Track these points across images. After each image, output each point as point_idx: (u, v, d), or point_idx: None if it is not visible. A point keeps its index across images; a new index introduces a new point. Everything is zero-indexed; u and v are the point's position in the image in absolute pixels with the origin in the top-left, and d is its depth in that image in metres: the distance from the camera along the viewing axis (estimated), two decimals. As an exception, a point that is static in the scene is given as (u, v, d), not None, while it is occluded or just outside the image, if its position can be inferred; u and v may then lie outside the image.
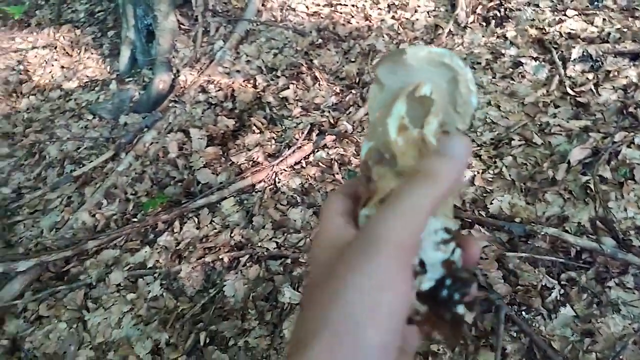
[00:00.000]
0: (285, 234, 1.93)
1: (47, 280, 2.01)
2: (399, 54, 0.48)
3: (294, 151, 2.20)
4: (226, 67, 2.85)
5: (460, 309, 0.38)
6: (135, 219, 2.11)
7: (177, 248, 1.99)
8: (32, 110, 3.06)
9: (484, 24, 2.75)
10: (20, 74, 3.34)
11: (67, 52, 3.46)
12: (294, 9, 3.24)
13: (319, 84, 2.57)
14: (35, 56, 3.46)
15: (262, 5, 3.30)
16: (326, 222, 0.41)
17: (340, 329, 0.32)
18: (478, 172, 1.97)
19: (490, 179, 1.95)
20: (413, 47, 0.47)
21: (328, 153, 2.20)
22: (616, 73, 2.22)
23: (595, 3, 2.66)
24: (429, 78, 0.47)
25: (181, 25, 3.20)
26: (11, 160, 2.70)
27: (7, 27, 3.81)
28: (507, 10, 2.76)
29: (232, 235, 1.97)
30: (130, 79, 3.12)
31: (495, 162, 2.01)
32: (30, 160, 2.67)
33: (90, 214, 2.19)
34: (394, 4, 3.07)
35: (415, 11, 2.96)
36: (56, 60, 3.42)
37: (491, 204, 1.85)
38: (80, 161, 2.56)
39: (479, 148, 2.08)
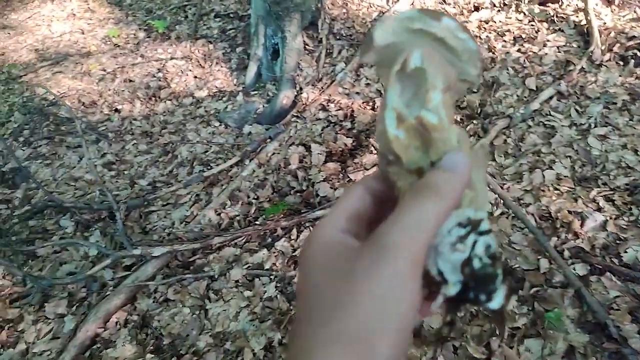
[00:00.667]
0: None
1: (175, 268, 2.24)
2: (369, 39, 0.45)
3: (411, 175, 2.25)
4: (346, 88, 3.00)
5: (494, 305, 0.36)
6: (257, 222, 2.28)
7: (293, 254, 2.11)
8: (168, 113, 3.43)
9: (622, 62, 2.63)
10: (160, 80, 3.77)
11: (200, 64, 3.85)
12: (415, 37, 3.32)
13: (439, 111, 2.61)
14: (173, 66, 3.88)
15: (384, 31, 3.42)
16: (332, 222, 0.39)
17: (350, 341, 0.31)
18: (610, 218, 1.88)
19: (624, 226, 1.85)
20: (380, 25, 0.44)
21: (445, 180, 2.22)
22: None
23: None
24: (416, 45, 0.43)
25: (306, 46, 3.42)
26: (148, 156, 3.05)
27: (151, 38, 4.32)
28: (649, 50, 2.62)
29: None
30: (255, 92, 3.39)
31: (630, 208, 1.91)
32: (164, 158, 3.00)
33: (216, 212, 2.41)
34: (520, 36, 3.04)
35: (544, 45, 2.90)
36: (190, 70, 3.80)
37: (625, 252, 1.75)
38: (207, 163, 2.83)
39: (612, 192, 1.99)
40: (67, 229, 2.54)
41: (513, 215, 1.95)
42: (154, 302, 2.12)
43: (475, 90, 2.70)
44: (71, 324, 2.07)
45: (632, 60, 2.61)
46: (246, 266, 2.14)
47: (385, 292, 0.32)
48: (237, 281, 2.09)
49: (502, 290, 0.37)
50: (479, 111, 2.56)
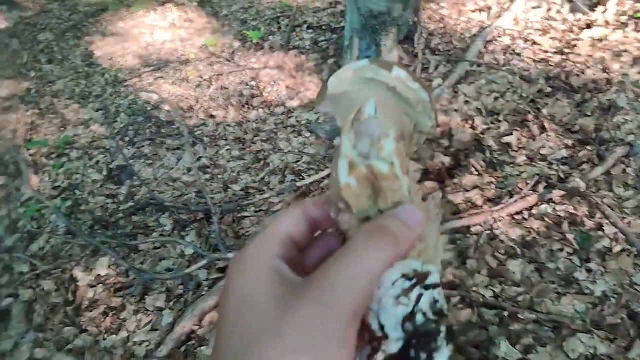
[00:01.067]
0: (503, 285, 1.90)
1: (267, 275, 2.30)
2: (323, 89, 0.45)
3: (516, 200, 2.17)
4: (443, 105, 2.96)
5: None
6: (350, 236, 2.29)
7: (387, 273, 2.10)
8: (260, 121, 3.56)
9: None
10: (253, 89, 3.93)
11: (292, 75, 3.97)
12: (519, 54, 3.22)
13: (547, 134, 2.50)
14: (266, 75, 4.03)
15: (485, 47, 3.35)
16: (265, 246, 0.37)
17: None
18: None
19: None
20: (336, 74, 0.44)
21: (555, 209, 2.11)
22: None
23: None
24: (370, 94, 0.44)
25: (401, 60, 3.42)
26: (241, 162, 3.18)
27: (245, 48, 4.53)
28: None
29: (445, 272, 2.01)
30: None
31: None
32: (256, 165, 3.11)
33: (308, 223, 2.45)
34: (641, 58, 2.84)
35: (670, 68, 2.69)
36: (282, 80, 3.93)
37: None
38: (299, 173, 2.90)
39: None
40: (166, 226, 2.71)
41: (636, 253, 1.80)
42: (246, 306, 2.19)
43: (590, 114, 2.55)
44: (169, 318, 2.19)
45: None
46: (338, 280, 2.15)
47: (319, 352, 0.30)
48: (328, 294, 2.11)
49: (445, 351, 0.36)
50: (594, 136, 2.42)
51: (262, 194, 2.75)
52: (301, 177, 2.83)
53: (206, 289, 2.28)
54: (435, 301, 0.37)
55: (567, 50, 3.10)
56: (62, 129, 3.89)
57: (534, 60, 3.11)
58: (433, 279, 0.38)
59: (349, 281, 0.32)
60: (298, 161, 3.02)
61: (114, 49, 5.13)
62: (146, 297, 2.30)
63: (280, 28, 4.69)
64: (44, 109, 4.19)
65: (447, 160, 2.53)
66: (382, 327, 0.36)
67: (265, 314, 0.33)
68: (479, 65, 3.19)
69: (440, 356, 0.35)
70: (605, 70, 2.83)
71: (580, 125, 2.48)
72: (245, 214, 2.69)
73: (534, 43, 3.28)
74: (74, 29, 5.66)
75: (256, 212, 2.69)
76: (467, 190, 2.31)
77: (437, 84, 3.14)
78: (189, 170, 3.16)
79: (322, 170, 2.78)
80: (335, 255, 0.34)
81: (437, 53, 3.41)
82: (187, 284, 2.33)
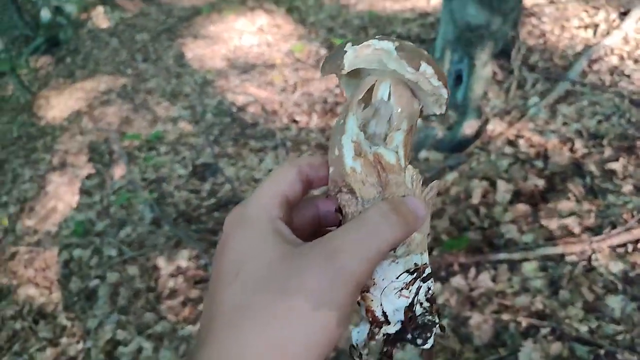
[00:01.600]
0: (600, 321, 1.81)
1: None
2: (336, 59, 0.42)
3: (619, 232, 2.06)
4: (538, 125, 2.87)
5: (427, 346, 0.40)
6: (434, 253, 2.29)
7: (470, 294, 2.07)
8: (342, 129, 3.65)
9: None
10: (337, 96, 4.03)
11: (377, 84, 4.03)
12: (627, 76, 3.06)
13: (659, 163, 2.36)
14: (351, 84, 4.12)
15: (589, 66, 3.21)
16: (265, 206, 0.39)
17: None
18: None
19: None
20: (353, 49, 0.41)
21: (664, 245, 1.99)
22: None
23: None
24: (386, 76, 0.42)
25: (495, 75, 3.37)
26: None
27: (331, 56, 4.66)
28: None
29: (533, 300, 1.95)
30: (434, 118, 3.43)
31: None
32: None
33: (388, 235, 2.48)
34: None
35: None
36: (367, 90, 4.01)
37: None
38: (380, 184, 2.93)
39: None
40: (245, 225, 2.85)
41: None
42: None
43: None
44: (244, 315, 2.30)
45: None
46: (416, 296, 2.16)
47: (320, 315, 0.33)
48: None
49: (435, 333, 0.41)
50: None
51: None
52: (382, 188, 2.86)
53: (282, 290, 2.37)
54: (429, 289, 0.42)
55: (686, 74, 2.91)
56: (153, 124, 4.22)
57: (646, 83, 2.94)
58: (428, 269, 0.43)
59: (361, 253, 0.36)
60: (379, 172, 3.06)
61: (204, 51, 5.48)
62: (224, 291, 2.43)
63: (367, 36, 4.78)
64: (138, 104, 4.56)
65: (541, 182, 2.46)
66: (384, 314, 0.41)
67: (269, 270, 0.35)
68: (582, 85, 3.06)
69: (431, 339, 0.41)
70: None
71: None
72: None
73: (647, 64, 3.10)
74: (169, 31, 6.12)
75: (334, 219, 2.75)
76: (563, 217, 2.23)
77: (533, 102, 3.06)
78: (270, 171, 3.30)
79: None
80: (348, 226, 0.38)
81: (535, 70, 3.33)
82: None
